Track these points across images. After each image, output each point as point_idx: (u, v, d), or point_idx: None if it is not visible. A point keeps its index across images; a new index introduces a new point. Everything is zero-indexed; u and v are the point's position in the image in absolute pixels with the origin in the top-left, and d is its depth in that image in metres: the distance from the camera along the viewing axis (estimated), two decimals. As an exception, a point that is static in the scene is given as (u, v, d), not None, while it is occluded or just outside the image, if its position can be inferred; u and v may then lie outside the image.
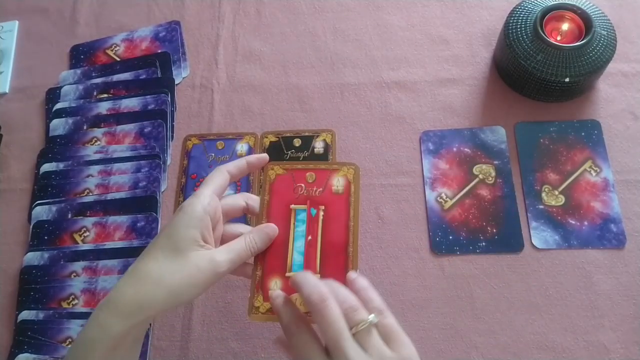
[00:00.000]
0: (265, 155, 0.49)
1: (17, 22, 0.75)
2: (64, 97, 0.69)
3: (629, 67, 0.65)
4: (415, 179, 0.62)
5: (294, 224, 0.47)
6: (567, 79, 0.58)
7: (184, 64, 0.70)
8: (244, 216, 0.61)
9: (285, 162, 0.55)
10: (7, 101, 0.70)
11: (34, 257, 0.60)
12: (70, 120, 0.67)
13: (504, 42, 0.61)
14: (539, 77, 0.59)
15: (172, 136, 0.66)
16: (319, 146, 0.64)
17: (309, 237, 0.47)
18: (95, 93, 0.69)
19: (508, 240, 0.58)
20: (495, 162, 0.61)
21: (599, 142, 0.61)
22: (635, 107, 0.63)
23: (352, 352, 0.36)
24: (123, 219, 0.61)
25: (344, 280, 0.43)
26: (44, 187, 0.64)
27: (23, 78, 0.72)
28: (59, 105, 0.68)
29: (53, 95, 0.69)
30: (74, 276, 0.59)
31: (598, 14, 0.60)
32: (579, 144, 0.61)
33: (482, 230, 0.58)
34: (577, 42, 0.59)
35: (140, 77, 0.69)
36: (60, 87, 0.70)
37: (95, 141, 0.66)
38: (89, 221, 0.61)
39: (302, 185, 0.49)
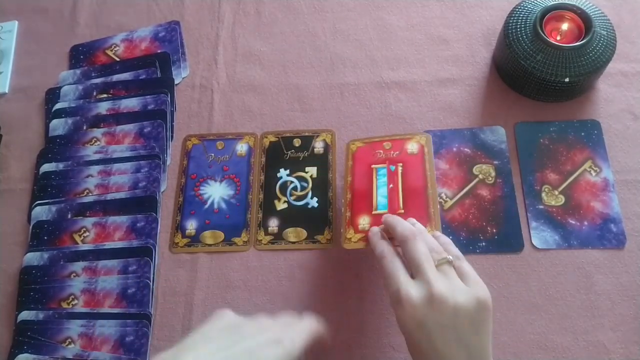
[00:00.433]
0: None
1: (16, 22, 0.75)
2: (64, 97, 0.69)
3: (629, 67, 0.65)
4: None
5: (375, 177, 0.56)
6: (567, 79, 0.58)
7: (183, 64, 0.70)
8: (243, 211, 0.61)
9: (365, 137, 0.61)
10: (7, 101, 0.70)
11: (33, 257, 0.60)
12: (70, 121, 0.67)
13: (504, 42, 0.61)
14: (538, 77, 0.59)
15: (172, 136, 0.66)
16: (319, 146, 0.64)
17: (391, 185, 0.55)
18: (95, 93, 0.69)
19: (508, 240, 0.58)
20: (495, 162, 0.61)
21: (599, 142, 0.61)
22: (635, 107, 0.63)
23: (431, 274, 0.42)
24: (123, 219, 0.61)
25: (427, 216, 0.52)
26: (43, 187, 0.64)
27: (23, 78, 0.72)
28: (58, 106, 0.68)
29: (53, 95, 0.69)
30: (74, 276, 0.59)
31: (598, 14, 0.60)
32: (579, 144, 0.61)
33: (482, 230, 0.58)
34: (577, 42, 0.59)
35: (140, 77, 0.69)
36: (60, 87, 0.70)
37: (95, 141, 0.66)
38: (88, 221, 0.61)
39: (381, 151, 0.57)
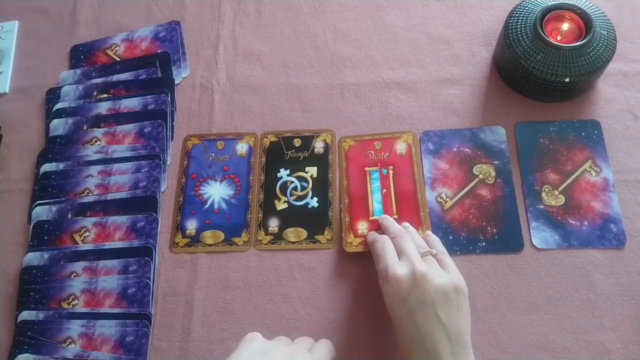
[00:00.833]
0: None
1: (17, 22, 0.75)
2: (64, 97, 0.69)
3: (629, 67, 0.65)
4: (415, 179, 0.62)
5: (369, 181, 0.60)
6: (567, 79, 0.58)
7: (184, 64, 0.70)
8: (244, 211, 0.61)
9: (355, 135, 0.64)
10: (7, 101, 0.70)
11: (34, 258, 0.60)
12: (70, 121, 0.67)
13: (504, 42, 0.61)
14: (539, 77, 0.59)
15: (172, 136, 0.66)
16: (319, 146, 0.64)
17: (384, 190, 0.60)
18: (95, 93, 0.69)
19: (508, 240, 0.58)
20: (495, 162, 0.61)
21: (599, 142, 0.61)
22: (635, 107, 0.63)
23: (415, 258, 0.49)
24: (123, 219, 0.61)
25: (418, 219, 0.58)
26: (44, 187, 0.64)
27: (23, 78, 0.72)
28: (59, 106, 0.68)
29: (53, 95, 0.69)
30: (74, 276, 0.59)
31: (598, 14, 0.60)
32: (579, 144, 0.61)
33: (482, 230, 0.58)
34: (577, 42, 0.59)
35: (140, 77, 0.69)
36: (60, 87, 0.70)
37: (95, 141, 0.66)
38: (89, 221, 0.61)
39: (372, 152, 0.62)
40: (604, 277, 0.55)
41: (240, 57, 0.70)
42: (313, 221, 0.60)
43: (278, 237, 0.60)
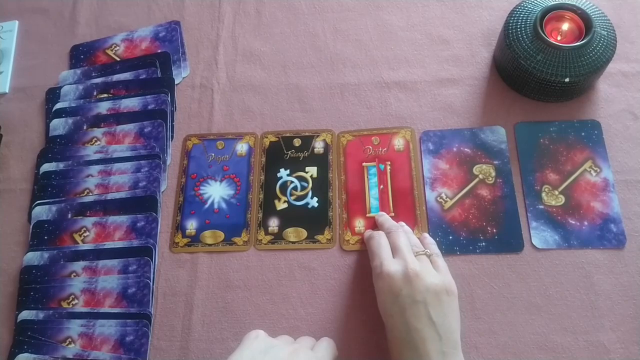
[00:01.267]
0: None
1: (17, 22, 0.75)
2: (64, 97, 0.69)
3: (629, 67, 0.65)
4: (415, 179, 0.62)
5: (367, 177, 0.60)
6: (567, 79, 0.58)
7: (184, 64, 0.70)
8: (243, 211, 0.61)
9: (353, 130, 0.64)
10: (7, 101, 0.70)
11: (34, 257, 0.60)
12: (70, 120, 0.67)
13: (504, 42, 0.61)
14: (538, 77, 0.59)
15: (172, 136, 0.66)
16: (319, 146, 0.64)
17: (381, 186, 0.60)
18: (95, 93, 0.69)
19: (508, 240, 0.58)
20: (495, 162, 0.61)
21: (599, 142, 0.61)
22: (635, 107, 0.63)
23: (409, 256, 0.50)
24: (123, 219, 0.61)
25: (414, 217, 0.59)
26: (43, 187, 0.64)
27: (23, 78, 0.72)
28: (59, 105, 0.68)
29: (53, 95, 0.69)
30: (74, 276, 0.59)
31: (598, 14, 0.60)
32: (579, 144, 0.61)
33: (482, 230, 0.58)
34: (577, 42, 0.59)
35: (140, 77, 0.69)
36: (60, 87, 0.70)
37: (95, 141, 0.66)
38: (88, 221, 0.61)
39: (370, 147, 0.62)
40: (604, 277, 0.55)
41: (240, 57, 0.70)
42: (313, 221, 0.60)
43: (278, 237, 0.60)
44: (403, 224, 0.57)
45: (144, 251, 0.59)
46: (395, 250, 0.52)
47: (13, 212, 0.64)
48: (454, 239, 0.58)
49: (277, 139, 0.65)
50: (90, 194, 0.63)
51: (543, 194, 0.59)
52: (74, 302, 0.58)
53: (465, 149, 0.62)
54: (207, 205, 0.62)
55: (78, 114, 0.68)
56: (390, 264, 0.50)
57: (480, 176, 0.61)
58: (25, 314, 0.57)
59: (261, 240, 0.60)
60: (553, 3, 0.61)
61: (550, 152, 0.61)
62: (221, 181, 0.63)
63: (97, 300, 0.57)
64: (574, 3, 0.60)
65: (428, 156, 0.62)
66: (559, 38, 0.61)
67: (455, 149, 0.62)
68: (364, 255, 0.57)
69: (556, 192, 0.59)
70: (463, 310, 0.55)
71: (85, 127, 0.67)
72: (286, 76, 0.69)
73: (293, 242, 0.60)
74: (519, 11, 0.62)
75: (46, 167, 0.65)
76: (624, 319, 0.54)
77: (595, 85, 0.64)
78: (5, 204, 0.64)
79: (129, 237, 0.60)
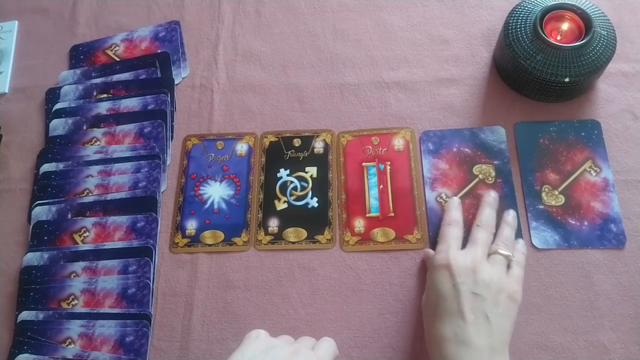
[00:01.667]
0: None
1: (17, 22, 0.75)
2: (64, 97, 0.69)
3: (629, 67, 0.65)
4: (415, 179, 0.62)
5: (367, 177, 0.60)
6: (567, 79, 0.58)
7: (183, 64, 0.70)
8: (243, 211, 0.61)
9: (353, 130, 0.64)
10: (7, 101, 0.70)
11: (33, 258, 0.60)
12: (70, 121, 0.67)
13: (504, 42, 0.61)
14: (538, 77, 0.59)
15: (172, 136, 0.66)
16: (319, 146, 0.64)
17: (381, 186, 0.60)
18: (95, 93, 0.69)
19: (508, 240, 0.58)
20: (495, 162, 0.61)
21: (599, 142, 0.61)
22: (635, 107, 0.63)
23: (479, 249, 0.50)
24: (123, 219, 0.61)
25: (414, 217, 0.58)
26: (43, 188, 0.64)
27: (23, 78, 0.72)
28: (58, 106, 0.68)
29: (53, 95, 0.69)
30: (74, 276, 0.59)
31: (598, 14, 0.60)
32: (579, 144, 0.61)
33: (482, 230, 0.58)
34: (577, 42, 0.59)
35: (140, 77, 0.69)
36: (60, 87, 0.70)
37: (95, 141, 0.66)
38: (88, 221, 0.61)
39: (370, 147, 0.62)
40: (604, 277, 0.55)
41: (239, 57, 0.70)
42: (313, 221, 0.60)
43: (278, 237, 0.60)
44: (514, 213, 0.56)
45: (143, 251, 0.59)
46: (470, 242, 0.52)
47: (13, 212, 0.64)
48: (454, 239, 0.58)
49: (277, 139, 0.65)
50: (90, 194, 0.63)
51: (543, 194, 0.59)
52: (73, 303, 0.58)
53: (465, 149, 0.62)
54: (207, 206, 0.62)
55: (78, 114, 0.68)
56: (458, 255, 0.50)
57: (480, 176, 0.61)
58: (25, 315, 0.57)
59: (261, 240, 0.60)
60: (553, 3, 0.61)
61: (550, 152, 0.61)
62: (221, 181, 0.63)
63: (97, 301, 0.57)
64: (574, 3, 0.60)
65: (428, 156, 0.62)
66: (558, 38, 0.60)
67: (455, 149, 0.62)
68: (364, 256, 0.57)
69: (556, 192, 0.59)
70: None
71: (85, 128, 0.67)
72: (286, 76, 0.69)
73: (293, 243, 0.60)
74: (518, 11, 0.62)
75: (46, 167, 0.65)
76: (624, 319, 0.54)
77: (595, 85, 0.64)
78: (5, 204, 0.64)
79: (129, 237, 0.60)
